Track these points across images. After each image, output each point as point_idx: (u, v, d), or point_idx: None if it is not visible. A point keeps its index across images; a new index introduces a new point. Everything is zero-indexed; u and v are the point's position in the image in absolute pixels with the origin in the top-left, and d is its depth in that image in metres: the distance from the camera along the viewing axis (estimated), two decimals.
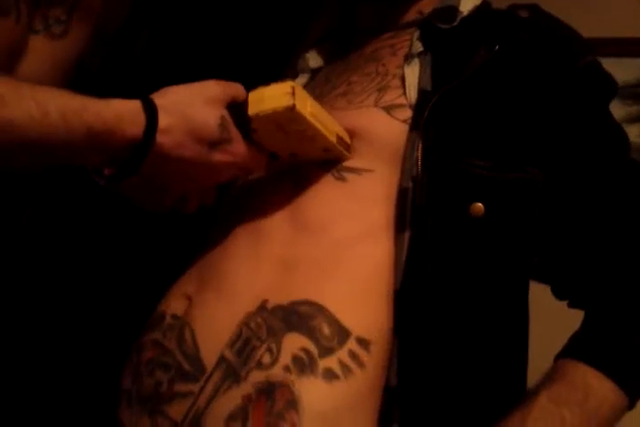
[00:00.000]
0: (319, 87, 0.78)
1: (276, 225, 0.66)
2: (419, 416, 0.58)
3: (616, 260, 0.67)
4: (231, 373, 0.58)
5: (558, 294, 0.72)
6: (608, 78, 0.70)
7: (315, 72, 0.84)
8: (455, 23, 0.70)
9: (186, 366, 0.60)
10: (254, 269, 0.64)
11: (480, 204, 0.61)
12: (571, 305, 0.71)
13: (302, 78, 0.84)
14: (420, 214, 0.61)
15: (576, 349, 0.65)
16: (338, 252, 0.62)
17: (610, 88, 0.71)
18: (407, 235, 0.60)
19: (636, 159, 0.71)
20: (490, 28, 0.70)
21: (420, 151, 0.62)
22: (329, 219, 0.64)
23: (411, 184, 0.61)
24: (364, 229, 0.63)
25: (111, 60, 0.90)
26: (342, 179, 0.65)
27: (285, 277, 0.62)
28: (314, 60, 0.84)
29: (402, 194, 0.62)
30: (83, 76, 0.76)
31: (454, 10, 0.71)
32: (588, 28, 1.49)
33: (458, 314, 0.61)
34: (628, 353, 0.64)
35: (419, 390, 0.58)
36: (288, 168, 0.69)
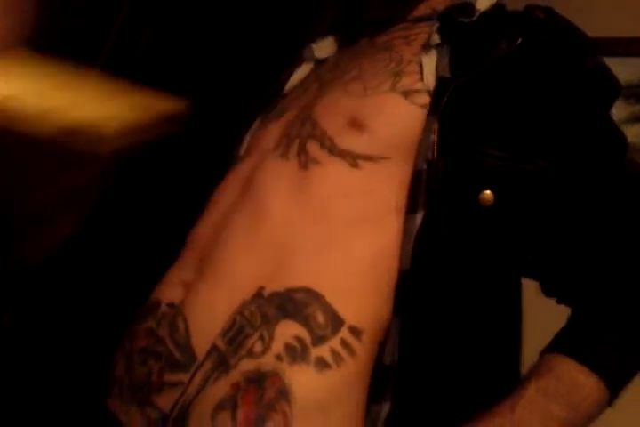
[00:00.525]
0: (329, 72, 0.79)
1: (278, 208, 0.65)
2: (412, 396, 0.59)
3: (605, 260, 0.69)
4: (222, 362, 0.57)
5: (547, 290, 0.74)
6: (613, 80, 0.73)
7: (319, 62, 0.84)
8: (475, 18, 0.72)
9: (177, 355, 0.60)
10: (252, 254, 0.63)
11: (490, 192, 0.63)
12: (559, 301, 0.73)
13: (306, 67, 0.85)
14: (434, 197, 0.62)
15: (563, 344, 0.66)
16: (341, 236, 0.62)
17: (614, 89, 0.74)
18: (419, 216, 0.61)
19: (633, 160, 0.74)
20: (510, 24, 0.72)
21: (436, 135, 0.63)
22: (335, 199, 0.64)
23: (425, 167, 0.63)
24: (372, 210, 0.63)
25: (114, 59, 0.90)
26: (356, 166, 0.65)
27: (284, 263, 0.61)
28: (319, 50, 0.85)
29: (416, 176, 0.63)
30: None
31: (471, 6, 0.74)
32: (594, 27, 1.50)
33: (460, 297, 0.62)
34: (613, 350, 0.66)
35: (415, 370, 0.59)
36: (294, 151, 0.69)
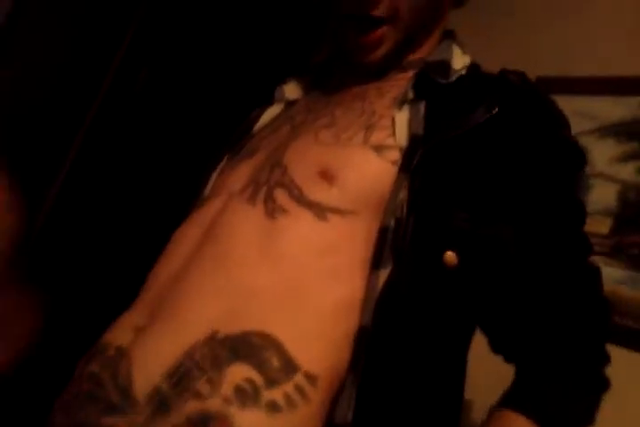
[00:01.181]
0: (300, 115, 0.78)
1: (242, 252, 0.64)
2: None
3: (555, 321, 0.71)
4: (164, 405, 0.56)
5: (495, 347, 0.75)
6: (580, 153, 0.74)
7: (290, 104, 0.85)
8: (452, 79, 0.73)
9: (115, 398, 0.58)
10: (210, 298, 0.62)
11: (454, 253, 0.63)
12: (506, 360, 0.75)
13: (277, 107, 0.85)
14: (400, 254, 0.62)
15: (514, 400, 0.68)
16: (303, 285, 0.61)
17: (580, 161, 0.74)
18: (384, 273, 0.61)
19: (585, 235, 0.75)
20: (487, 89, 0.73)
21: (406, 193, 0.63)
22: (300, 251, 0.63)
23: (393, 224, 0.63)
24: (336, 265, 0.63)
25: (112, 100, 0.92)
26: (324, 218, 0.64)
27: (241, 307, 0.60)
28: (291, 91, 0.85)
29: (383, 232, 0.63)
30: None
31: (447, 65, 0.74)
32: (587, 66, 1.53)
33: (415, 355, 0.62)
34: (558, 405, 0.68)
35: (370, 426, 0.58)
36: (261, 197, 0.68)
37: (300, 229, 0.64)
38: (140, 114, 0.91)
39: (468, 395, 0.71)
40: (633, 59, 1.52)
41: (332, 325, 0.60)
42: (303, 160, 0.69)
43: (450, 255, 0.63)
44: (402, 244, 0.62)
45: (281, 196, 0.67)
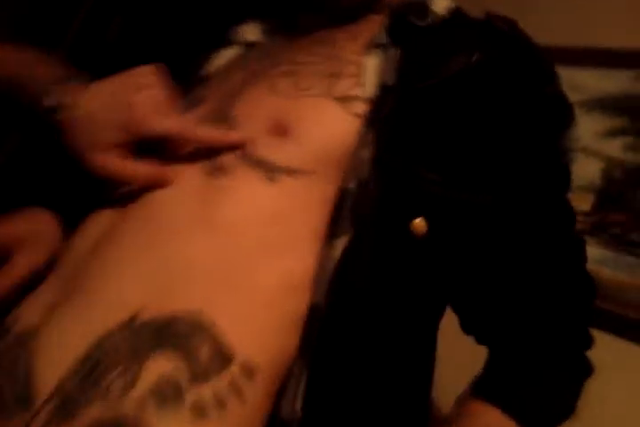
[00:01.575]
0: (256, 61, 0.69)
1: (172, 217, 0.54)
2: None
3: (532, 302, 0.65)
4: (65, 406, 0.45)
5: (466, 328, 0.70)
6: (569, 110, 0.67)
7: (249, 46, 0.74)
8: (431, 22, 0.65)
9: (9, 396, 0.47)
10: (131, 272, 0.51)
11: (423, 221, 0.55)
12: (478, 341, 0.70)
13: (232, 51, 0.74)
14: (360, 221, 0.54)
15: (487, 390, 0.63)
16: (243, 257, 0.52)
17: (568, 119, 0.67)
18: (341, 242, 0.53)
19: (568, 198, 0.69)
20: (469, 35, 0.65)
21: (371, 151, 0.55)
22: (242, 218, 0.54)
23: (354, 186, 0.54)
24: (286, 234, 0.54)
25: (81, 48, 0.84)
26: (273, 180, 0.55)
27: (169, 284, 0.50)
28: (250, 32, 0.75)
29: (342, 196, 0.54)
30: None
31: (425, 7, 0.66)
32: (578, 37, 1.46)
33: (376, 338, 0.54)
34: (537, 397, 0.63)
35: (324, 421, 0.50)
36: (200, 157, 0.58)
37: (243, 191, 0.55)
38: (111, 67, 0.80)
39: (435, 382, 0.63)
40: (624, 31, 1.45)
41: (277, 304, 0.51)
42: (254, 113, 0.60)
43: (418, 223, 0.55)
44: (363, 209, 0.54)
45: (225, 153, 0.58)
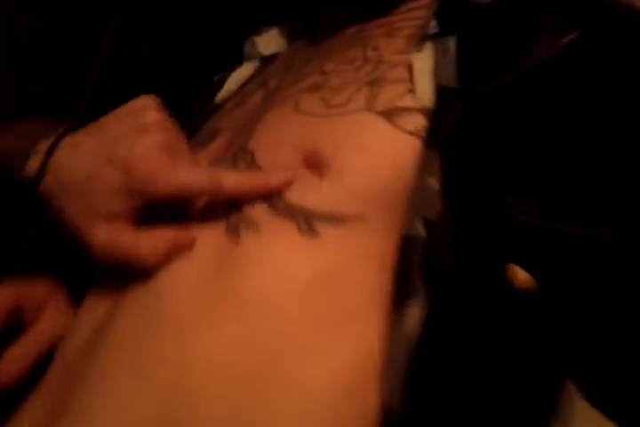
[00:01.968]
0: (276, 76, 0.57)
1: (183, 302, 0.42)
2: None
3: None
4: None
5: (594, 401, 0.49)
6: None
7: (267, 60, 0.63)
8: None
9: None
10: (127, 392, 0.40)
11: (521, 268, 0.40)
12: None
13: (247, 68, 0.62)
14: (438, 277, 0.40)
15: None
16: (284, 353, 0.39)
17: None
18: (414, 310, 0.39)
19: None
20: (551, 8, 0.49)
21: (439, 180, 0.42)
22: (275, 292, 0.41)
23: (421, 230, 0.41)
24: (334, 307, 0.40)
25: (114, 69, 0.75)
26: (312, 232, 0.42)
27: (176, 407, 0.38)
28: (266, 44, 0.62)
29: (407, 245, 0.40)
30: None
31: None
32: None
33: None
34: None
35: None
36: (217, 213, 0.46)
37: (275, 252, 0.42)
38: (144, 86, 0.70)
39: None
40: None
41: (331, 411, 0.37)
42: (278, 142, 0.48)
43: (518, 272, 0.39)
44: (438, 261, 0.40)
45: (248, 202, 0.45)
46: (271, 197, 0.44)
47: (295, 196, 0.43)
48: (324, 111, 0.47)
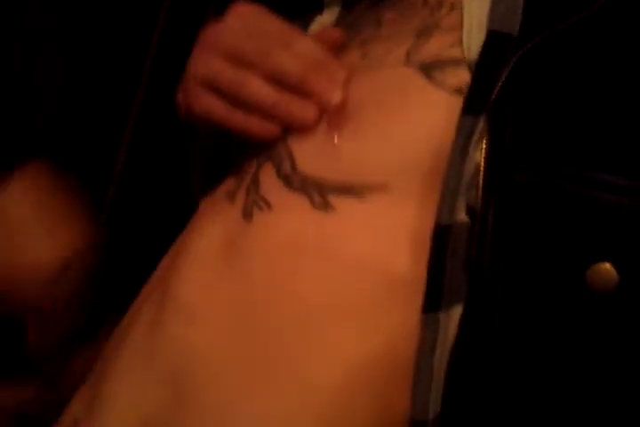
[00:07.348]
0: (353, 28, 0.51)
1: (193, 291, 0.40)
2: None
3: None
4: None
5: None
6: None
7: (349, 5, 0.55)
8: None
9: None
10: (139, 375, 0.39)
11: (609, 264, 0.33)
12: None
13: (328, 15, 0.56)
14: (483, 270, 0.34)
15: None
16: (292, 345, 0.36)
17: None
18: (456, 311, 0.34)
19: None
20: None
21: (485, 150, 0.35)
22: (281, 278, 0.38)
23: (464, 217, 0.34)
24: (353, 299, 0.36)
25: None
26: (326, 207, 0.38)
27: (181, 392, 0.37)
28: None
29: (439, 238, 0.35)
30: None
31: None
32: None
33: None
34: None
35: None
36: (245, 184, 0.43)
37: (283, 229, 0.38)
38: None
39: None
40: None
41: (350, 410, 0.34)
42: None
43: (602, 269, 0.32)
44: (483, 251, 0.33)
45: (267, 177, 0.40)
46: (288, 169, 0.40)
47: (311, 166, 0.39)
48: (357, 64, 0.41)
